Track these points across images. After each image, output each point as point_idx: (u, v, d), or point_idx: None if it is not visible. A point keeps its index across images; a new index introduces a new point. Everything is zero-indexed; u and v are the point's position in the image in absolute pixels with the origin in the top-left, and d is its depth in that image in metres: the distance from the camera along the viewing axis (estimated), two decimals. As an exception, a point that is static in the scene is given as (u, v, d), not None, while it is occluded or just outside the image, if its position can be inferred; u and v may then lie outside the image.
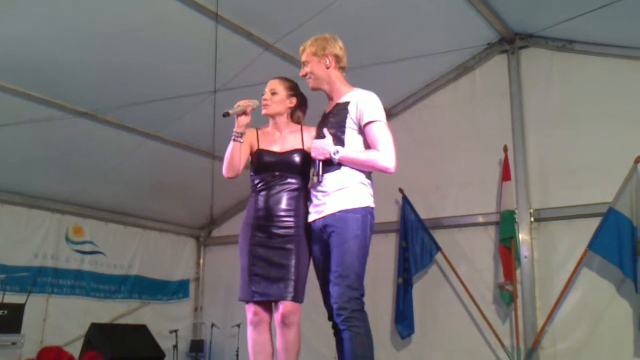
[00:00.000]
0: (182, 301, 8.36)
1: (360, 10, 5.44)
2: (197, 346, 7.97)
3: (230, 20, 5.33)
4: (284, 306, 3.35)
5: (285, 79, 3.60)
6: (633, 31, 5.59)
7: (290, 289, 3.35)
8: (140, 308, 7.76)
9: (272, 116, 3.59)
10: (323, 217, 3.13)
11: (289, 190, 3.46)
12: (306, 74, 3.29)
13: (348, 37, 5.68)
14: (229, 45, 5.38)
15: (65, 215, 7.11)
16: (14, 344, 5.55)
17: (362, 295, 3.01)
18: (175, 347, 7.46)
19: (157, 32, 5.25)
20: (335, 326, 3.17)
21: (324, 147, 3.13)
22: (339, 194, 3.09)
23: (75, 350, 6.57)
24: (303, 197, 3.49)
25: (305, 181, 3.50)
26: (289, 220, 3.42)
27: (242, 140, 3.41)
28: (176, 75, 5.77)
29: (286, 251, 3.39)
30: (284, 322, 3.36)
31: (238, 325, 7.28)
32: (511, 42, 6.44)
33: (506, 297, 5.97)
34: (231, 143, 3.39)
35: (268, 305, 3.42)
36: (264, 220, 3.42)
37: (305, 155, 3.47)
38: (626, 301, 5.51)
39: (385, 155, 3.04)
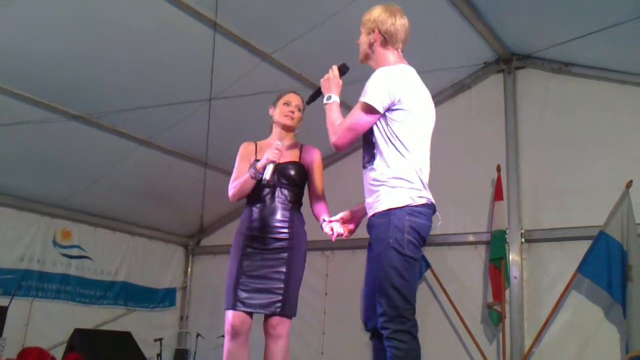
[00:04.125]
0: (168, 310, 8.28)
1: (359, 24, 5.43)
2: (181, 356, 7.89)
3: (228, 29, 5.33)
4: (273, 320, 3.36)
5: (301, 97, 3.72)
6: (629, 56, 5.62)
7: (279, 303, 3.36)
8: (125, 315, 7.69)
9: (292, 130, 3.70)
10: (369, 219, 2.87)
11: (284, 202, 3.50)
12: (358, 44, 3.06)
13: (346, 51, 5.74)
14: (226, 54, 5.37)
15: (54, 218, 7.06)
16: (-5, 347, 5.48)
17: (408, 310, 2.72)
18: (159, 355, 7.38)
19: (154, 37, 5.24)
20: (372, 333, 2.98)
21: (331, 84, 2.98)
22: (373, 196, 2.82)
23: (57, 355, 6.48)
24: (297, 209, 3.55)
25: (299, 193, 3.56)
26: (284, 232, 3.46)
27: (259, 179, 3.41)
28: (172, 81, 5.75)
29: (278, 263, 3.41)
30: (271, 334, 3.37)
31: (224, 336, 7.21)
32: (508, 62, 6.46)
33: (494, 317, 5.94)
34: (249, 180, 3.41)
35: (249, 316, 3.41)
36: (258, 231, 3.45)
37: (301, 168, 3.56)
38: (614, 326, 5.48)
39: (335, 130, 2.82)
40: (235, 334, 3.38)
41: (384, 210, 2.74)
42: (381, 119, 2.79)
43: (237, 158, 3.66)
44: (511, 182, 6.25)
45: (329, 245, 7.17)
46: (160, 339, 7.41)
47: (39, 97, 5.56)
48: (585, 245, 5.55)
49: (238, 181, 3.48)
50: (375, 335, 2.91)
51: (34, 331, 6.59)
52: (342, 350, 6.90)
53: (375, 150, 2.81)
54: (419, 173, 2.80)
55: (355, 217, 3.23)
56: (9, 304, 5.87)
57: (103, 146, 6.38)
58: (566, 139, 6.07)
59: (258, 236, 3.44)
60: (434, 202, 2.86)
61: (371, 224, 2.82)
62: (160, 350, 7.37)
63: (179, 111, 6.03)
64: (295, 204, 3.55)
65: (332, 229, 3.19)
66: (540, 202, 6.13)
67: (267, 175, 3.29)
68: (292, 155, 3.60)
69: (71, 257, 7.20)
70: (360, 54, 3.05)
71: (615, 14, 4.97)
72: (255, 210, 3.48)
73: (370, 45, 2.97)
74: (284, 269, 3.41)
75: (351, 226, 3.22)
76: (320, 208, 3.53)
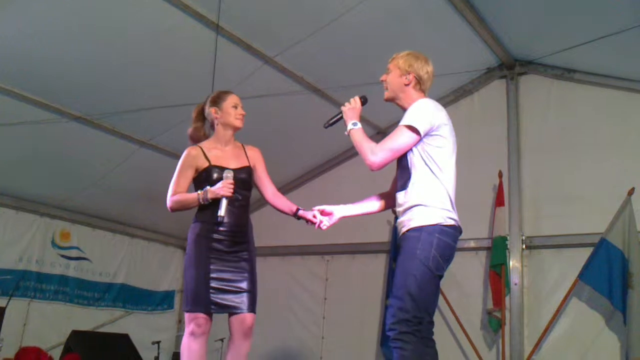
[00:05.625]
0: (167, 312, 8.25)
1: (360, 29, 5.44)
2: (179, 359, 7.85)
3: (230, 32, 5.32)
4: (248, 318, 3.49)
5: None
6: (631, 63, 5.61)
7: (250, 302, 3.50)
8: (123, 317, 7.66)
9: (237, 130, 3.74)
10: (401, 235, 3.08)
11: (241, 205, 3.62)
12: (383, 81, 3.28)
13: (348, 55, 5.76)
14: (228, 57, 5.36)
15: (54, 219, 7.04)
16: (-8, 347, 5.45)
17: (418, 317, 2.84)
18: (157, 358, 7.35)
19: (157, 39, 5.23)
20: None
21: (354, 113, 3.18)
22: (405, 214, 3.03)
23: (54, 357, 6.45)
24: (249, 212, 3.72)
25: (250, 196, 3.70)
26: (244, 234, 3.61)
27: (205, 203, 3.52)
28: (173, 83, 5.74)
29: (241, 264, 3.54)
30: (247, 334, 3.51)
31: (222, 340, 7.19)
32: (511, 67, 6.46)
33: (494, 323, 5.92)
34: (196, 200, 3.52)
35: (211, 317, 3.51)
36: (220, 234, 3.52)
37: (251, 171, 3.70)
38: (614, 334, 5.47)
39: (374, 150, 3.01)
40: (201, 333, 3.48)
41: (417, 227, 2.94)
42: (418, 144, 3.02)
43: (180, 165, 3.64)
44: (512, 188, 6.24)
45: (328, 250, 7.18)
46: (158, 342, 7.37)
47: (39, 97, 5.55)
48: (586, 253, 5.55)
49: (183, 199, 3.57)
50: None
51: (31, 332, 6.57)
52: (341, 356, 6.88)
53: (411, 173, 3.03)
54: (450, 195, 3.07)
55: (337, 214, 3.44)
56: (7, 305, 5.85)
57: (103, 147, 6.36)
58: (568, 145, 6.06)
59: (220, 239, 3.51)
60: (460, 225, 3.09)
61: (403, 238, 3.02)
62: (158, 353, 7.34)
63: (180, 113, 6.00)
64: (248, 207, 3.70)
65: (314, 217, 3.45)
66: (542, 209, 6.12)
67: (222, 211, 3.44)
68: (241, 159, 3.70)
69: (70, 258, 7.18)
70: (388, 92, 3.26)
71: (618, 21, 4.97)
72: (216, 213, 3.51)
73: (405, 85, 3.19)
74: (247, 269, 3.55)
75: (332, 220, 3.43)
76: (285, 199, 3.79)
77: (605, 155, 5.83)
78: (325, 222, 3.43)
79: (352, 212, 3.44)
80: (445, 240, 2.94)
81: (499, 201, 6.17)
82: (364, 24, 5.40)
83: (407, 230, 2.98)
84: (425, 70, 3.21)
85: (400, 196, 3.07)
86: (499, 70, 6.55)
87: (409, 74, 3.18)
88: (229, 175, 3.48)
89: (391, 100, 3.26)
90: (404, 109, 3.16)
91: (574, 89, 6.17)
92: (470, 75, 6.59)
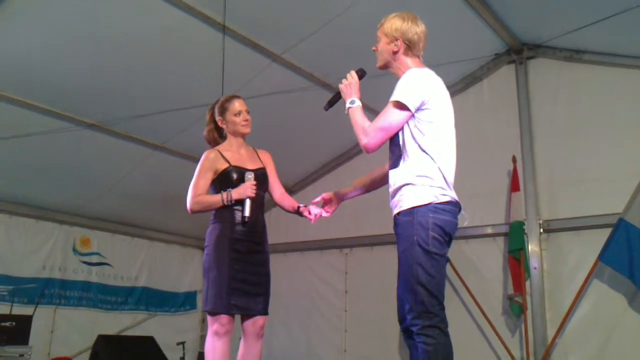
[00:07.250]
0: (190, 313, 8.33)
1: (367, 21, 5.37)
2: (204, 358, 7.91)
3: (237, 32, 5.35)
4: (260, 320, 3.60)
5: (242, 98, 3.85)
6: (641, 41, 5.57)
7: (264, 305, 3.60)
8: (147, 320, 7.75)
9: (246, 135, 3.80)
10: (394, 218, 2.89)
11: (260, 206, 3.69)
12: (375, 51, 3.09)
13: (355, 48, 5.73)
14: (236, 57, 5.39)
15: (73, 226, 7.14)
16: (21, 355, 5.52)
17: (435, 305, 2.71)
18: (182, 359, 7.42)
19: (164, 43, 5.28)
20: (404, 332, 2.98)
21: (352, 90, 3.01)
22: (396, 196, 2.84)
23: (82, 361, 6.57)
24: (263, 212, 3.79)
25: (264, 197, 3.76)
26: (262, 234, 3.68)
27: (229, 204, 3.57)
28: (183, 86, 5.79)
29: (259, 266, 3.60)
30: (259, 335, 3.62)
31: (241, 338, 7.25)
32: (519, 52, 6.43)
33: (516, 308, 5.91)
34: (219, 202, 3.57)
35: (234, 317, 3.56)
36: (242, 235, 3.57)
37: (266, 173, 3.77)
38: (638, 314, 5.43)
39: (366, 131, 2.82)
40: (225, 333, 3.52)
41: (408, 209, 2.76)
42: (409, 120, 2.81)
43: (200, 167, 3.67)
44: (527, 172, 6.22)
45: (347, 243, 7.19)
46: (183, 342, 7.44)
47: (53, 107, 5.62)
48: (603, 234, 5.51)
49: (205, 200, 3.61)
50: (407, 334, 2.91)
51: (58, 338, 6.68)
52: (365, 348, 6.91)
53: (402, 151, 2.83)
54: (444, 172, 2.82)
55: (337, 199, 3.50)
56: (34, 313, 5.95)
57: (118, 153, 6.44)
58: (581, 126, 6.02)
59: (240, 239, 3.55)
60: (458, 201, 2.87)
61: (396, 222, 2.85)
62: (184, 354, 7.40)
63: (191, 115, 6.05)
64: (263, 207, 3.76)
65: (309, 212, 3.55)
66: (558, 192, 6.09)
67: (247, 212, 3.51)
68: (256, 161, 3.76)
69: (91, 264, 7.28)
70: (379, 61, 3.08)
71: (626, -1, 4.93)
72: (239, 214, 3.56)
73: (394, 53, 2.99)
74: (263, 272, 3.62)
75: (332, 207, 3.52)
76: (290, 199, 3.85)
77: (619, 135, 5.78)
78: (318, 210, 3.51)
79: (352, 194, 3.43)
80: (442, 218, 2.74)
81: (514, 186, 6.15)
82: (369, 16, 5.32)
83: (399, 213, 2.81)
84: (414, 31, 2.97)
85: (392, 175, 2.88)
86: (507, 55, 6.52)
87: (396, 39, 2.97)
88: (250, 177, 3.55)
89: (384, 68, 3.06)
90: (399, 78, 2.94)
91: (584, 70, 6.13)
92: (478, 61, 6.57)
